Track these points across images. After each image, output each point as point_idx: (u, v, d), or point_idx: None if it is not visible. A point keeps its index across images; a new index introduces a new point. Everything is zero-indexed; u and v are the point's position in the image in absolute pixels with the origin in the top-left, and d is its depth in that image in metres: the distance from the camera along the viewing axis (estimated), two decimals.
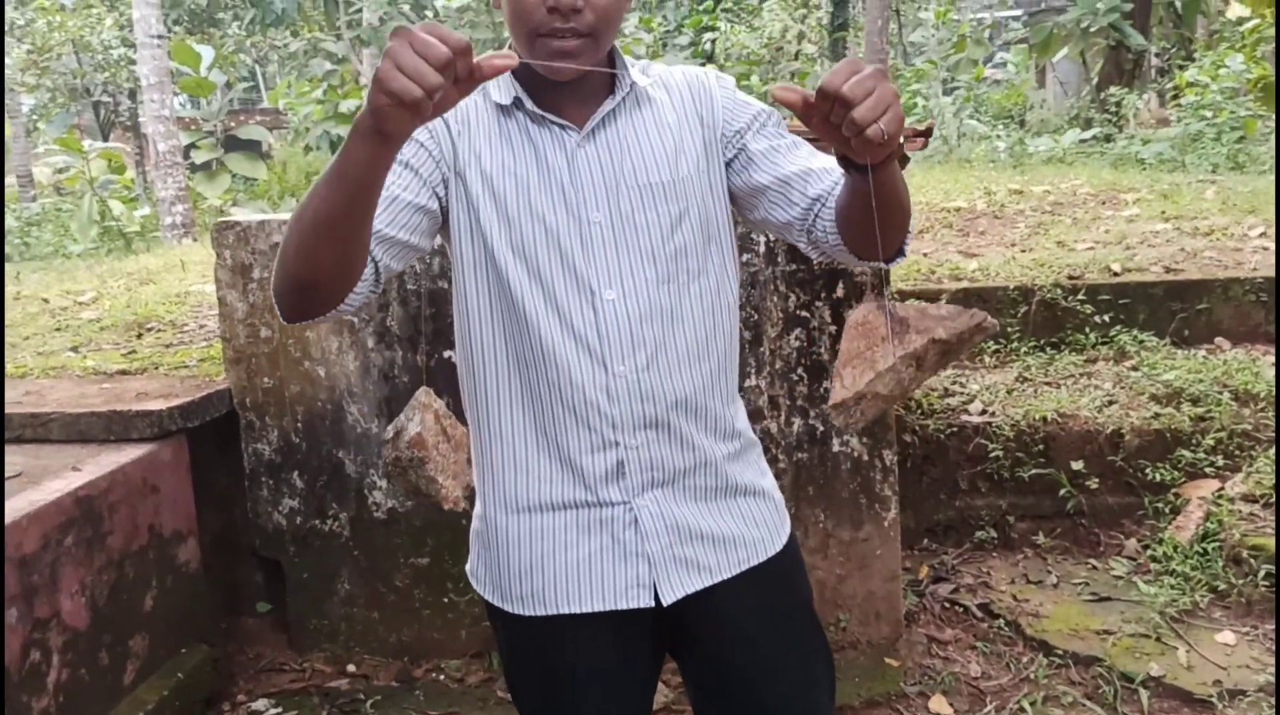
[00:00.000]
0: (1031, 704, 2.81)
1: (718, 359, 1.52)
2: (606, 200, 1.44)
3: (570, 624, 1.50)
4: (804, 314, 2.98)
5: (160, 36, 10.05)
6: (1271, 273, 4.05)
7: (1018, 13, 18.85)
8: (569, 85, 1.43)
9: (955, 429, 3.61)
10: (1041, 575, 3.39)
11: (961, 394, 3.77)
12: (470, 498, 1.63)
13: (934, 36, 13.57)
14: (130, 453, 2.84)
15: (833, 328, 2.98)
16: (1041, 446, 3.55)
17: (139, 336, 4.11)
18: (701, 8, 12.02)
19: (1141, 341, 3.96)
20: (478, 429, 1.55)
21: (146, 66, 10.15)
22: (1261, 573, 3.05)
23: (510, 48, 1.42)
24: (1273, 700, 2.71)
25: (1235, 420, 3.50)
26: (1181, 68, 12.71)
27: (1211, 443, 3.46)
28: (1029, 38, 13.70)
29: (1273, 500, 3.24)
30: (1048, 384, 3.83)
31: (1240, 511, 3.23)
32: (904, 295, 3.78)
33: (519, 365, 1.47)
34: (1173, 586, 3.15)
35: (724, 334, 1.53)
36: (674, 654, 1.62)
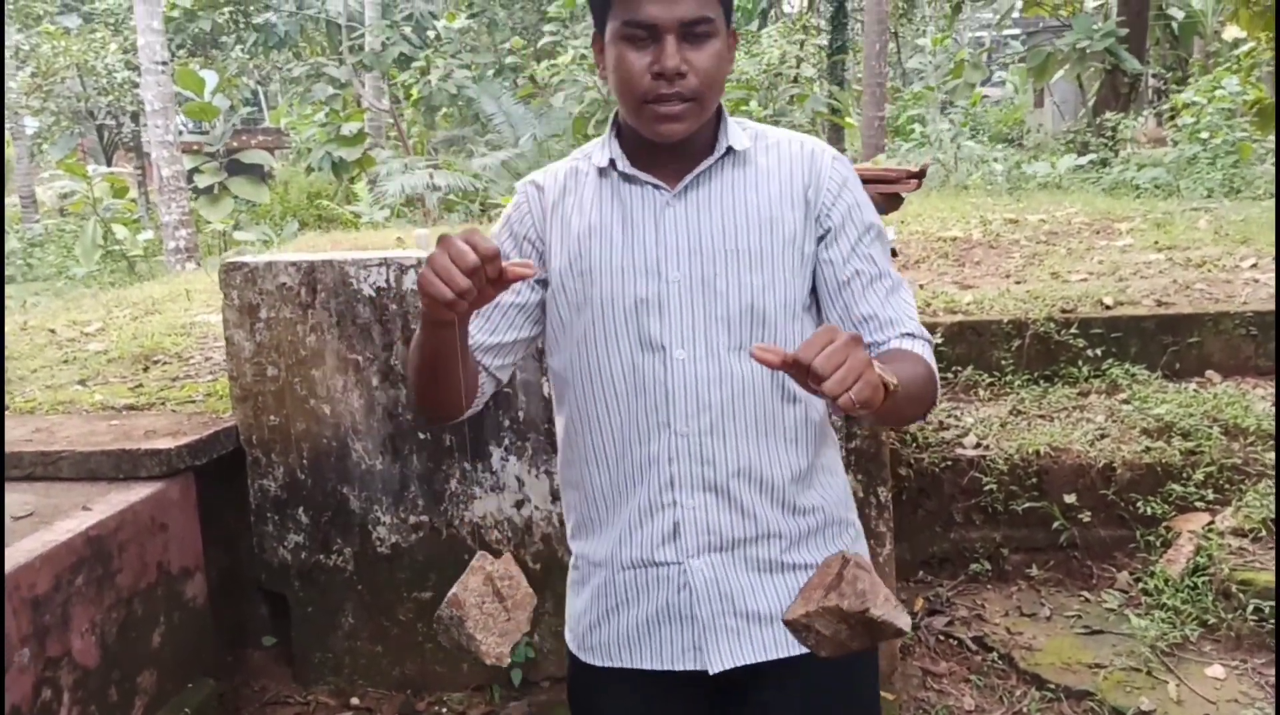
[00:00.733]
0: None
1: (789, 432, 1.50)
2: (688, 260, 1.46)
3: (627, 678, 1.55)
4: None
5: (164, 63, 10.17)
6: (1261, 307, 4.11)
7: (1016, 31, 19.01)
8: (672, 146, 1.48)
9: (950, 462, 3.67)
10: (1035, 607, 3.44)
11: (956, 427, 3.82)
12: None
13: (931, 62, 13.67)
14: (139, 491, 2.89)
15: None
16: (1035, 479, 3.61)
17: (145, 369, 4.17)
18: None
19: (1133, 374, 4.02)
20: (566, 486, 1.63)
21: (151, 92, 10.27)
22: (1250, 607, 3.10)
23: (617, 113, 1.53)
24: None
25: (1225, 454, 3.55)
26: (1179, 89, 12.82)
27: (1201, 477, 3.51)
28: (1027, 58, 13.82)
29: (1261, 534, 3.29)
30: (1041, 417, 3.89)
31: (1230, 545, 3.28)
32: None
33: (596, 422, 1.52)
34: (1163, 620, 3.20)
35: (798, 410, 1.51)
36: None
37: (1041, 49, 11.88)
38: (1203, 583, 3.25)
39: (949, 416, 3.90)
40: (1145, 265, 4.96)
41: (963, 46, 15.48)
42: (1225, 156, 9.44)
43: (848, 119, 13.52)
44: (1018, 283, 4.78)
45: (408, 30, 15.59)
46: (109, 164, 17.30)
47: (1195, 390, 3.91)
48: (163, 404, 3.60)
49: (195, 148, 13.70)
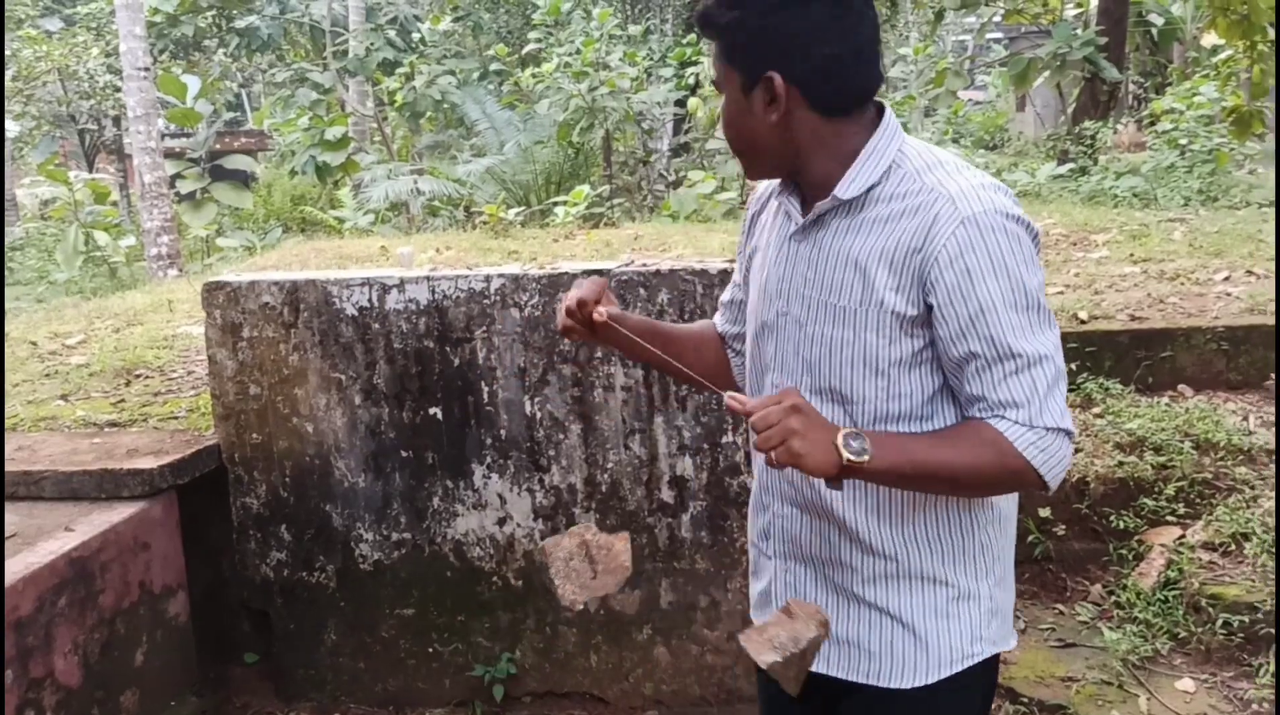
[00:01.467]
0: None
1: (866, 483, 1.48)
2: (789, 299, 1.56)
3: None
4: None
5: (146, 69, 10.13)
6: (1233, 322, 4.17)
7: (999, 35, 19.13)
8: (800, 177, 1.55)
9: None
10: None
11: None
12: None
13: (914, 70, 13.75)
14: (122, 511, 2.91)
15: None
16: None
17: (128, 384, 4.18)
18: (685, 41, 12.15)
19: (1107, 388, 4.08)
20: None
21: (133, 98, 10.23)
22: (1220, 621, 3.16)
23: None
24: None
25: (1196, 469, 3.62)
26: (1158, 94, 12.92)
27: (1173, 491, 3.57)
28: (1008, 65, 13.91)
29: (1231, 548, 3.35)
30: None
31: (1200, 560, 3.34)
32: None
33: None
34: (1135, 634, 3.26)
35: None
36: None
37: (1022, 56, 11.97)
38: (1174, 596, 3.31)
39: None
40: (1120, 278, 5.02)
41: (945, 54, 15.57)
42: (1202, 164, 9.54)
43: None
44: None
45: (392, 34, 15.57)
46: (91, 167, 17.21)
47: (1168, 404, 3.98)
48: (145, 420, 3.61)
49: (179, 151, 13.66)
